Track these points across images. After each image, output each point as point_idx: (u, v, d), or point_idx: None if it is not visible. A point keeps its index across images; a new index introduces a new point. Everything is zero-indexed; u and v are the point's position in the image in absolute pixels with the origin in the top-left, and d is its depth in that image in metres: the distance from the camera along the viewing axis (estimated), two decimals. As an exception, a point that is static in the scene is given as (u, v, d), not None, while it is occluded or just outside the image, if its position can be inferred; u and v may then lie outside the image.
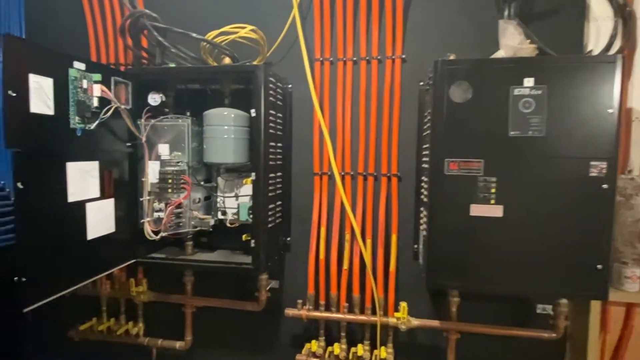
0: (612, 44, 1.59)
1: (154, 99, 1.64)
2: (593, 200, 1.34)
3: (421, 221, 1.66)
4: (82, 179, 1.41)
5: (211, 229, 1.74)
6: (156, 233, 1.60)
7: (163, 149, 1.63)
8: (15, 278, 1.18)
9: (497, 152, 1.39)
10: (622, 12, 1.58)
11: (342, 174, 1.82)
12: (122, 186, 1.62)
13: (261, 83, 1.55)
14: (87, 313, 2.04)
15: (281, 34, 1.82)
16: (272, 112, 1.64)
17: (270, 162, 1.66)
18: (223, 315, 1.95)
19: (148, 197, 1.61)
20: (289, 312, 1.84)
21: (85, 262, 1.45)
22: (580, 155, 1.34)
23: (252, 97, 1.56)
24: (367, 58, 1.78)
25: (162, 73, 1.68)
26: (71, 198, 1.37)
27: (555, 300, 1.61)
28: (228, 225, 1.71)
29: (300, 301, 1.85)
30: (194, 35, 1.66)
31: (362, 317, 1.80)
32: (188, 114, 1.68)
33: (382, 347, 1.79)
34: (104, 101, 1.46)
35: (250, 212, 1.65)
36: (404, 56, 1.76)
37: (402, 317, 1.72)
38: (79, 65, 1.38)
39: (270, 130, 1.64)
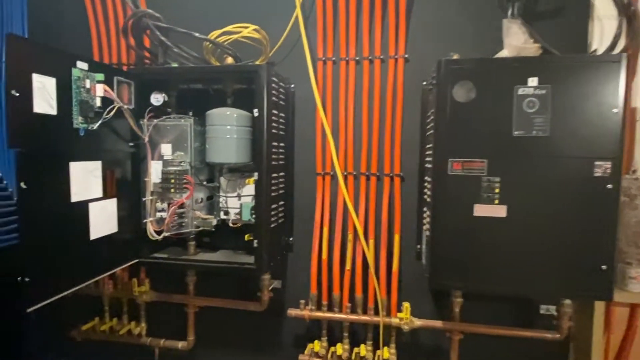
0: (617, 43, 1.58)
1: (157, 98, 1.63)
2: (597, 200, 1.33)
3: (424, 221, 1.65)
4: (85, 179, 1.41)
5: (214, 229, 1.74)
6: (159, 233, 1.60)
7: (166, 149, 1.63)
8: (19, 278, 1.18)
9: (501, 152, 1.38)
10: (626, 11, 1.57)
11: (345, 174, 1.82)
12: (125, 186, 1.62)
13: (264, 83, 1.54)
14: (90, 313, 2.04)
15: (284, 33, 1.82)
16: (274, 112, 1.64)
17: (273, 162, 1.66)
18: (225, 315, 1.95)
19: (151, 197, 1.61)
20: (292, 312, 1.84)
21: (88, 262, 1.45)
22: (585, 155, 1.33)
23: (255, 97, 1.56)
24: (370, 58, 1.78)
25: (164, 73, 1.68)
26: (74, 198, 1.37)
27: (559, 301, 1.61)
28: (230, 225, 1.71)
29: (302, 301, 1.85)
30: (197, 35, 1.66)
31: (365, 318, 1.80)
32: (190, 113, 1.68)
33: (385, 348, 1.79)
34: (106, 101, 1.46)
35: (253, 212, 1.65)
36: (406, 56, 1.76)
37: (405, 318, 1.71)
38: (82, 65, 1.38)
39: (273, 130, 1.64)
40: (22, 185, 1.18)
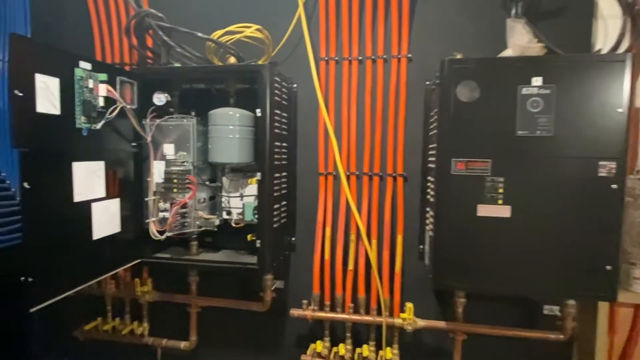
0: (621, 42, 1.58)
1: (159, 98, 1.63)
2: (602, 201, 1.33)
3: (427, 221, 1.65)
4: (87, 179, 1.41)
5: (216, 229, 1.74)
6: (161, 233, 1.59)
7: (168, 149, 1.63)
8: (22, 278, 1.18)
9: (505, 151, 1.38)
10: (630, 10, 1.57)
11: (348, 173, 1.82)
12: (128, 186, 1.61)
13: (266, 83, 1.54)
14: (92, 313, 2.04)
15: (286, 33, 1.82)
16: (277, 111, 1.64)
17: (276, 162, 1.65)
18: (228, 315, 1.95)
19: (153, 197, 1.61)
20: (294, 312, 1.84)
21: (91, 262, 1.45)
22: (589, 155, 1.33)
23: (258, 97, 1.55)
24: (373, 57, 1.78)
25: (167, 73, 1.67)
26: (77, 198, 1.37)
27: (562, 302, 1.60)
28: (233, 225, 1.71)
29: (305, 301, 1.84)
30: (200, 34, 1.66)
31: (368, 318, 1.79)
32: (193, 113, 1.68)
33: (388, 348, 1.78)
34: (109, 101, 1.46)
35: (256, 212, 1.65)
36: (409, 55, 1.75)
37: (408, 318, 1.71)
38: (85, 64, 1.38)
39: (276, 130, 1.63)
40: (26, 185, 1.18)
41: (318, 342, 1.84)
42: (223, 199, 1.73)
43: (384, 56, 1.77)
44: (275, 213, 1.67)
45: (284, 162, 1.78)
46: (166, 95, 1.64)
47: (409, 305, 1.72)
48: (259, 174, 1.58)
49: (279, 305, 1.91)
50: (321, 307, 1.85)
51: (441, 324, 1.73)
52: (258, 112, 1.56)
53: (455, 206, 1.42)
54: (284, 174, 1.79)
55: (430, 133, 1.66)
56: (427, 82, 1.74)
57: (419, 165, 1.77)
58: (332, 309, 1.84)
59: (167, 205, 1.61)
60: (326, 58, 1.81)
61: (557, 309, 1.66)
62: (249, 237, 1.66)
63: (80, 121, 1.36)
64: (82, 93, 1.36)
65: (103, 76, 1.43)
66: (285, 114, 1.77)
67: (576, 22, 1.63)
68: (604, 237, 1.34)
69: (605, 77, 1.31)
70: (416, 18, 1.76)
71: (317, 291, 1.84)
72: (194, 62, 1.75)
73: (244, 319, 1.96)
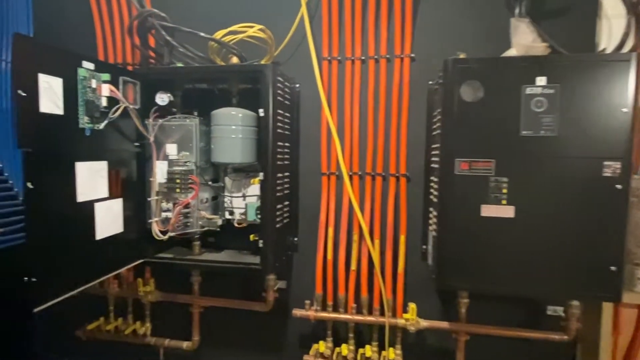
0: (625, 42, 1.57)
1: (162, 98, 1.63)
2: (606, 201, 1.32)
3: (430, 222, 1.64)
4: (91, 179, 1.41)
5: (219, 229, 1.74)
6: (164, 233, 1.59)
7: (171, 149, 1.62)
8: (25, 278, 1.18)
9: (509, 151, 1.37)
10: (634, 9, 1.56)
11: (350, 174, 1.81)
12: (130, 186, 1.61)
13: (269, 82, 1.54)
14: (95, 313, 2.04)
15: (289, 33, 1.81)
16: (280, 111, 1.64)
17: (278, 162, 1.65)
18: (230, 315, 1.95)
19: (156, 197, 1.61)
20: (297, 312, 1.84)
21: (94, 262, 1.45)
22: (594, 155, 1.32)
23: (260, 97, 1.55)
24: (376, 57, 1.77)
25: (170, 73, 1.67)
26: (80, 198, 1.37)
27: (566, 302, 1.60)
28: (236, 225, 1.71)
29: (307, 302, 1.84)
30: (202, 34, 1.66)
31: (371, 318, 1.79)
32: (196, 113, 1.68)
33: (391, 349, 1.78)
34: (112, 101, 1.45)
35: (258, 212, 1.64)
36: (412, 55, 1.75)
37: (410, 319, 1.70)
38: (88, 65, 1.38)
39: (279, 130, 1.63)
40: (29, 185, 1.18)
41: (320, 342, 1.84)
42: (226, 199, 1.73)
43: (387, 56, 1.76)
44: (277, 213, 1.66)
45: (286, 162, 1.78)
46: (169, 95, 1.64)
47: (412, 306, 1.72)
48: (261, 174, 1.58)
49: (282, 305, 1.91)
50: (324, 308, 1.85)
51: (444, 324, 1.73)
52: (261, 112, 1.56)
53: (459, 206, 1.42)
54: (287, 174, 1.79)
55: (434, 133, 1.66)
56: (430, 82, 1.73)
57: (422, 166, 1.77)
58: (335, 309, 1.84)
59: (170, 205, 1.61)
60: (329, 58, 1.81)
61: (561, 310, 1.66)
62: (251, 237, 1.66)
63: (83, 121, 1.36)
64: (85, 93, 1.36)
65: (106, 76, 1.43)
66: (288, 114, 1.77)
67: (580, 22, 1.62)
68: (608, 237, 1.34)
69: (609, 76, 1.30)
70: (419, 17, 1.75)
71: (319, 291, 1.83)
72: (196, 62, 1.75)
73: (246, 319, 1.96)
